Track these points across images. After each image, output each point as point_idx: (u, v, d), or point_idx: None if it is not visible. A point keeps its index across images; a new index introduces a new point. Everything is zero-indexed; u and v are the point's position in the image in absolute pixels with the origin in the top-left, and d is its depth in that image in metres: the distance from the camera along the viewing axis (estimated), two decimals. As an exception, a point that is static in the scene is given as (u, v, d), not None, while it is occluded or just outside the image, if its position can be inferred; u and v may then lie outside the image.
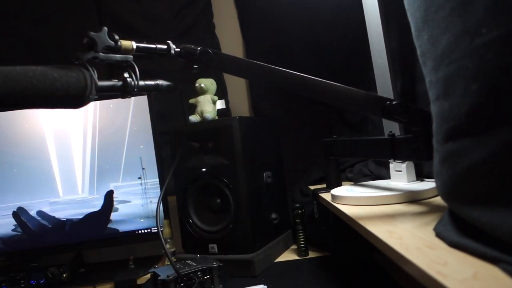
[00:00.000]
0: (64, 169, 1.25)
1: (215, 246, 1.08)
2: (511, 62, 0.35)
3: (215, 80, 1.20)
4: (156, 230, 1.23)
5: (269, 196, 1.17)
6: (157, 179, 1.23)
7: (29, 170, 1.23)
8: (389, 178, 0.89)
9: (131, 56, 0.61)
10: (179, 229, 1.16)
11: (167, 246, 1.19)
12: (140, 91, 0.62)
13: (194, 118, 1.14)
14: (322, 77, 0.70)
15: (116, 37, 0.58)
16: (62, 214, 1.24)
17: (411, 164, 0.83)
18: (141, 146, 1.23)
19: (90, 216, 1.24)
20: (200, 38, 1.48)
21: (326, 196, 0.93)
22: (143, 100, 1.23)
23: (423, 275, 0.39)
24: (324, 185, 1.06)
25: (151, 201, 1.24)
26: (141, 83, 0.62)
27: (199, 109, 1.15)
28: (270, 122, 1.32)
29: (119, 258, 1.31)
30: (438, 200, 0.72)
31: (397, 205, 0.72)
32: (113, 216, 1.24)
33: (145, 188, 1.23)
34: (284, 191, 1.31)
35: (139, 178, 1.23)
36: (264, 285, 0.93)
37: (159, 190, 1.22)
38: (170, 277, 0.86)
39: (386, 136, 0.78)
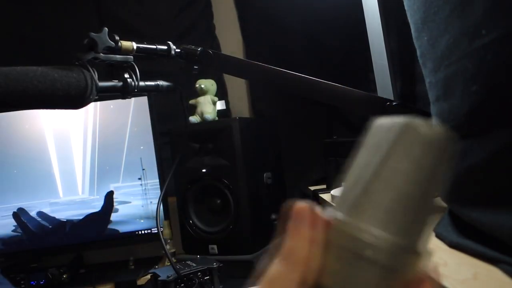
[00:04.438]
0: (64, 169, 1.25)
1: (215, 247, 1.08)
2: (510, 63, 0.35)
3: (215, 81, 1.20)
4: (156, 231, 1.23)
5: (269, 197, 1.17)
6: (157, 180, 1.23)
7: (29, 170, 1.23)
8: (389, 178, 0.89)
9: (132, 56, 0.61)
10: (179, 230, 1.16)
11: (167, 247, 1.18)
12: (140, 91, 0.62)
13: (194, 119, 1.14)
14: (322, 78, 0.70)
15: (117, 37, 0.58)
16: (62, 214, 1.24)
17: (411, 164, 0.83)
18: (141, 147, 1.23)
19: (90, 217, 1.24)
20: (200, 39, 1.48)
21: (326, 196, 0.93)
22: (143, 100, 1.23)
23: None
24: (324, 186, 1.06)
25: (151, 202, 1.24)
26: (141, 83, 0.62)
27: (199, 110, 1.15)
28: (270, 122, 1.32)
29: (119, 259, 1.31)
30: (438, 201, 0.72)
31: (397, 206, 0.72)
32: (113, 217, 1.24)
33: (145, 189, 1.23)
34: (284, 191, 1.31)
35: (139, 179, 1.23)
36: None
37: (159, 191, 1.22)
38: (170, 278, 0.86)
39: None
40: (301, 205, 0.25)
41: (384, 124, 0.26)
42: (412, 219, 0.24)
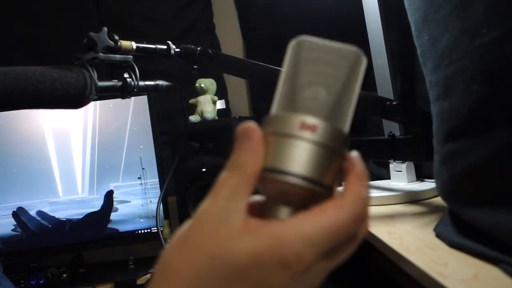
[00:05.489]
0: (64, 169, 1.25)
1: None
2: (511, 62, 0.35)
3: (215, 80, 1.20)
4: (156, 230, 1.23)
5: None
6: (157, 179, 1.23)
7: (29, 170, 1.23)
8: (389, 178, 0.89)
9: (131, 56, 0.60)
10: (179, 229, 1.16)
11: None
12: (140, 91, 0.62)
13: (194, 118, 1.14)
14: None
15: (116, 37, 0.58)
16: (62, 214, 1.24)
17: (411, 164, 0.83)
18: (141, 146, 1.23)
19: (90, 216, 1.24)
20: (200, 38, 1.48)
21: (326, 196, 0.93)
22: (143, 100, 1.23)
23: (423, 275, 0.39)
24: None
25: (151, 201, 1.24)
26: (141, 83, 0.62)
27: (199, 109, 1.15)
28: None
29: (119, 258, 1.31)
30: (438, 200, 0.72)
31: (397, 206, 0.72)
32: (113, 216, 1.24)
33: (145, 188, 1.24)
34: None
35: (139, 178, 1.23)
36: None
37: (159, 190, 1.22)
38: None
39: (386, 137, 0.78)
40: (243, 125, 0.28)
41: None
42: (337, 103, 0.29)
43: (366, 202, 0.29)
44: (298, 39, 0.30)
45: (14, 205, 1.22)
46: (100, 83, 0.55)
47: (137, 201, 1.24)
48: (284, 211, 0.28)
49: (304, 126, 0.27)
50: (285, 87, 0.30)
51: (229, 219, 0.26)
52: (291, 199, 0.28)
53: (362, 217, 0.28)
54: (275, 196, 0.28)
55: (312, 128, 0.27)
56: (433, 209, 0.66)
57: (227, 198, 0.27)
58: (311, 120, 0.27)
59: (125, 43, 0.59)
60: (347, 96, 0.29)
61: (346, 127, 0.29)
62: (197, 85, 1.16)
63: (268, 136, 0.28)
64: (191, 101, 1.17)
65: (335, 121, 0.28)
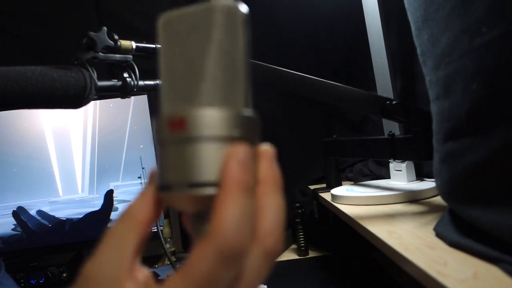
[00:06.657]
0: (64, 168, 1.24)
1: (215, 245, 1.08)
2: (511, 61, 0.35)
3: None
4: (156, 230, 1.23)
5: (269, 196, 1.16)
6: (157, 179, 1.23)
7: (29, 169, 1.23)
8: (389, 177, 0.89)
9: (131, 56, 0.60)
10: (179, 228, 1.16)
11: (167, 245, 1.19)
12: (139, 91, 0.62)
13: (194, 117, 1.14)
14: (322, 77, 0.70)
15: (116, 37, 0.58)
16: (62, 213, 1.24)
17: (411, 163, 0.83)
18: (141, 146, 1.23)
19: (90, 216, 1.24)
20: (200, 37, 1.48)
21: (326, 195, 0.93)
22: (143, 99, 1.23)
23: (423, 275, 0.39)
24: (324, 185, 1.06)
25: (151, 201, 1.23)
26: (141, 83, 0.62)
27: (199, 108, 1.15)
28: (269, 121, 1.31)
29: (119, 257, 1.31)
30: (438, 199, 0.72)
31: (397, 205, 0.72)
32: (113, 215, 1.24)
33: (145, 187, 1.23)
34: (284, 190, 1.31)
35: (139, 177, 1.23)
36: (264, 284, 0.93)
37: (159, 190, 1.22)
38: (170, 277, 0.86)
39: (386, 136, 0.78)
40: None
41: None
42: (229, 84, 0.24)
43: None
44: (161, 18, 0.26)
45: (14, 204, 1.22)
46: (100, 83, 0.55)
47: (137, 200, 1.24)
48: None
49: (173, 125, 0.22)
50: (163, 80, 0.25)
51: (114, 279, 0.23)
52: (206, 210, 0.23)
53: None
54: (190, 213, 0.25)
55: (178, 125, 0.22)
56: (433, 209, 0.66)
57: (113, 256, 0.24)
58: (182, 114, 0.22)
59: (124, 43, 0.59)
60: (231, 64, 0.24)
61: (242, 103, 0.24)
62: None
63: (164, 146, 0.23)
64: (191, 100, 1.17)
65: (231, 99, 0.24)
